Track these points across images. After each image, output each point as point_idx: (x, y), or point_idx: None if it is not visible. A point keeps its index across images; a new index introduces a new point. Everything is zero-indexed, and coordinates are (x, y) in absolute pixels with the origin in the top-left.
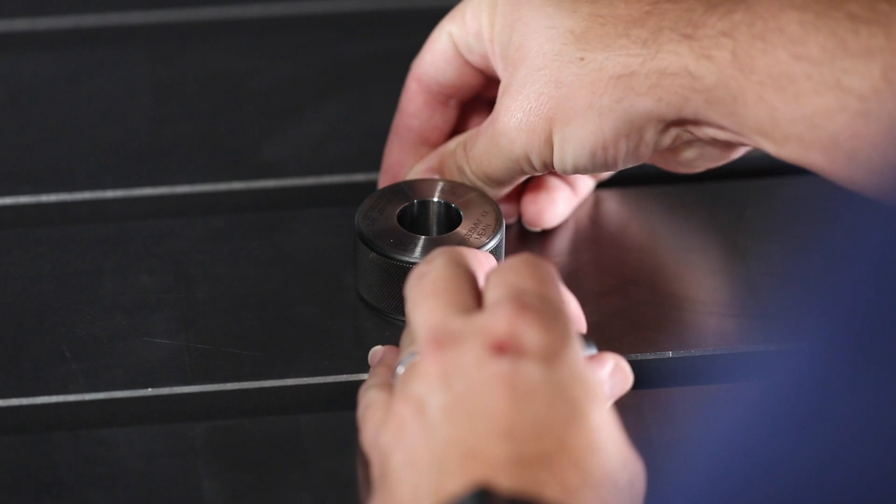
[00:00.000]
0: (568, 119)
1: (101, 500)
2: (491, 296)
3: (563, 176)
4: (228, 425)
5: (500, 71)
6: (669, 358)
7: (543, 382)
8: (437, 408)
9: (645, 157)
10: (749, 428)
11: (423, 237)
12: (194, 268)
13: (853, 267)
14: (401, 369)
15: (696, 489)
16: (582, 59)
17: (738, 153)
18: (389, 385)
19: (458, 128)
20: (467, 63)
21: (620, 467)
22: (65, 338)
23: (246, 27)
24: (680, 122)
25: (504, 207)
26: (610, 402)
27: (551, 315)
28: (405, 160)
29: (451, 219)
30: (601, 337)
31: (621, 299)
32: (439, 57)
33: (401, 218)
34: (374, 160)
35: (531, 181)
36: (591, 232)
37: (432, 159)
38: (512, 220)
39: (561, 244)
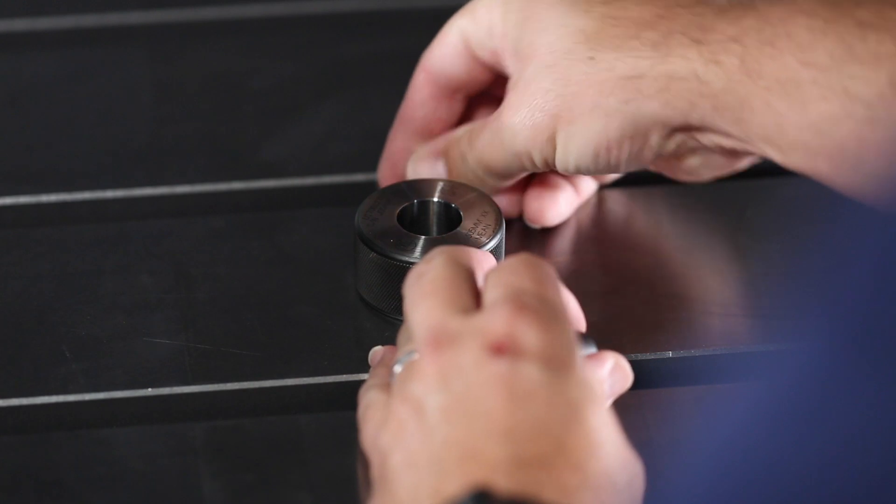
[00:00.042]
0: (573, 118)
1: (101, 500)
2: (489, 296)
3: (566, 175)
4: (228, 425)
5: (510, 67)
6: (669, 358)
7: (542, 383)
8: (436, 408)
9: (648, 161)
10: (749, 428)
11: (423, 237)
12: (194, 268)
13: (853, 267)
14: (398, 368)
15: (697, 489)
16: (592, 58)
17: (743, 163)
18: (389, 385)
19: (463, 121)
20: (476, 59)
21: (619, 468)
22: (65, 338)
23: (246, 27)
24: (685, 128)
25: (506, 202)
26: (610, 401)
27: (550, 315)
28: (408, 148)
29: (451, 219)
30: (601, 337)
31: (621, 299)
32: (449, 51)
33: (401, 218)
34: (374, 160)
35: (535, 178)
36: (592, 232)
37: (439, 142)
38: (514, 214)
39: (561, 244)
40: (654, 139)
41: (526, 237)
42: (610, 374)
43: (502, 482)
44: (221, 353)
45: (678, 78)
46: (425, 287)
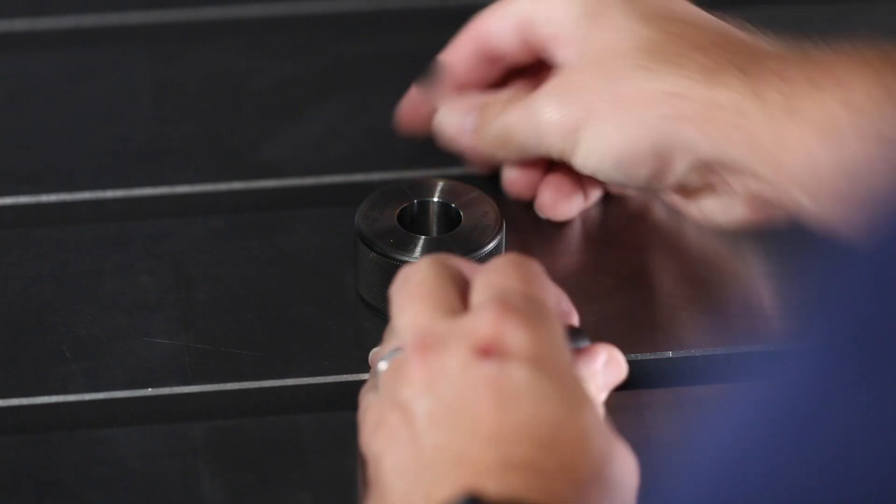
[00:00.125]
0: (607, 118)
1: (101, 500)
2: (476, 298)
3: (582, 178)
4: (228, 425)
5: (559, 56)
6: (669, 358)
7: (529, 384)
8: (424, 413)
9: (666, 184)
10: (749, 428)
11: (423, 237)
12: (194, 268)
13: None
14: (383, 365)
15: (697, 489)
16: (642, 66)
17: (761, 218)
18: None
19: (498, 88)
20: (527, 40)
21: (611, 464)
22: (65, 338)
23: (246, 27)
24: (715, 165)
25: (520, 184)
26: (605, 394)
27: (536, 315)
28: (437, 96)
29: (450, 219)
30: (601, 337)
31: (621, 299)
32: (501, 24)
33: (401, 218)
34: (374, 160)
35: (555, 170)
36: (592, 232)
37: (475, 98)
38: (524, 196)
39: (561, 244)
40: (680, 165)
41: (526, 237)
42: (604, 367)
43: (491, 486)
44: (221, 353)
45: (719, 106)
46: (412, 290)
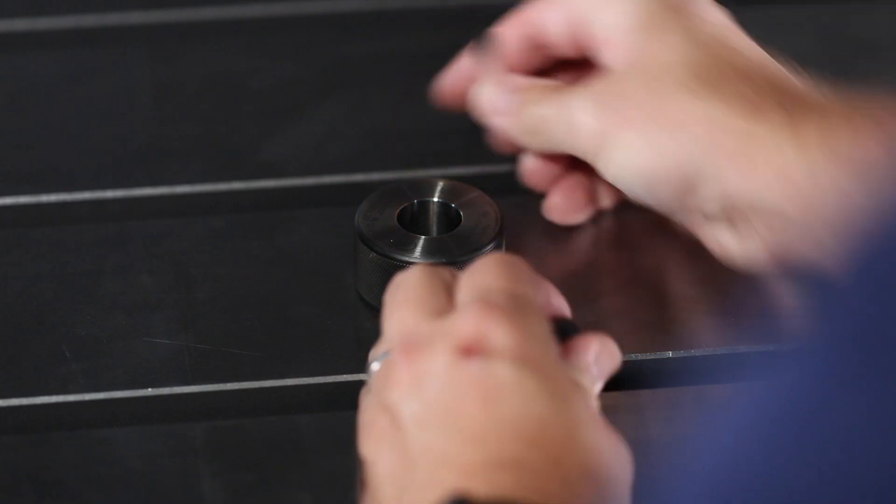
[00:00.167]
0: (640, 131)
1: (101, 500)
2: (460, 298)
3: (597, 186)
4: (228, 425)
5: (606, 58)
6: (669, 358)
7: (514, 382)
8: (411, 416)
9: (686, 208)
10: (749, 429)
11: (423, 237)
12: (194, 268)
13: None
14: (375, 366)
15: (696, 490)
16: (687, 87)
17: (776, 260)
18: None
19: (541, 75)
20: (576, 37)
21: (602, 458)
22: (65, 338)
23: (246, 27)
24: (740, 200)
25: (538, 176)
26: (601, 383)
27: (519, 312)
28: (474, 70)
29: (450, 219)
30: None
31: (621, 299)
32: (556, 14)
33: (401, 218)
34: (374, 160)
35: (575, 171)
36: (592, 232)
37: (519, 80)
38: (538, 187)
39: (561, 244)
40: (705, 192)
41: (525, 238)
42: (597, 356)
43: (480, 486)
44: (221, 353)
45: (756, 139)
46: (399, 296)
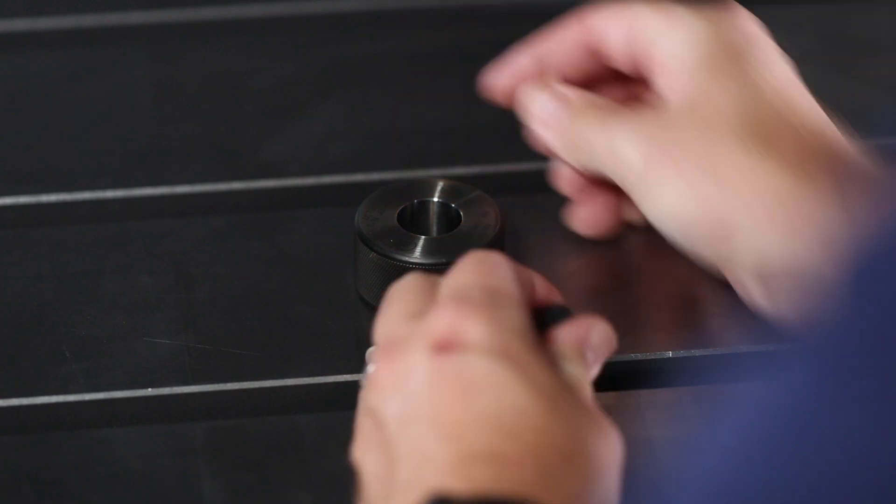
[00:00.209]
0: (687, 177)
1: (101, 500)
2: (438, 299)
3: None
4: (228, 425)
5: (661, 85)
6: (669, 358)
7: (488, 374)
8: (392, 416)
9: (718, 256)
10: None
11: (423, 237)
12: (194, 268)
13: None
14: (371, 367)
15: (697, 490)
16: (741, 140)
17: (800, 316)
18: None
19: (593, 81)
20: (635, 56)
21: (585, 444)
22: (65, 338)
23: (246, 27)
24: (776, 261)
25: (568, 183)
26: (597, 367)
27: (493, 305)
28: (530, 69)
29: (450, 219)
30: None
31: (621, 299)
32: (617, 28)
33: (401, 218)
34: (374, 160)
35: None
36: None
37: (570, 91)
38: (568, 194)
39: (561, 244)
40: (741, 246)
41: (525, 239)
42: (591, 340)
43: (457, 483)
44: (221, 353)
45: (802, 202)
46: (386, 302)
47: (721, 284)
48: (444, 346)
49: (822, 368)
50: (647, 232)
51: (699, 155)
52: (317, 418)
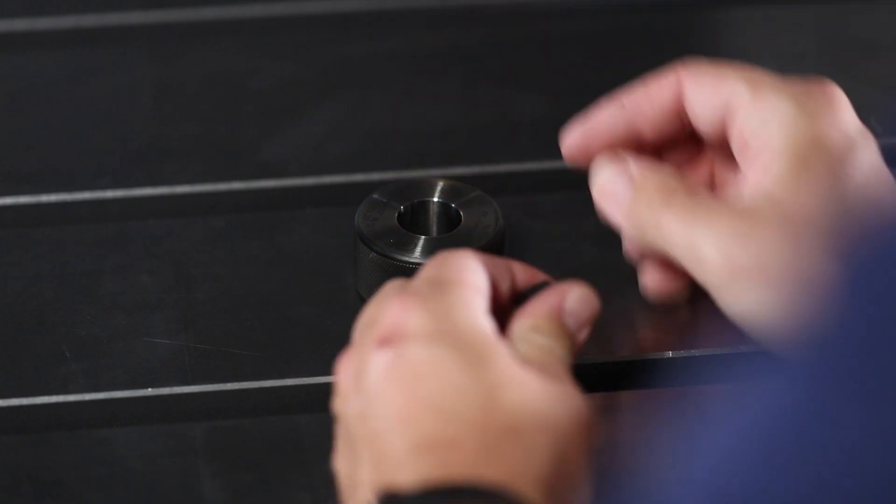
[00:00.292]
0: (773, 284)
1: (101, 500)
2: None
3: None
4: (228, 425)
5: (749, 170)
6: (669, 358)
7: (428, 359)
8: (352, 417)
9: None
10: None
11: (423, 237)
12: (194, 268)
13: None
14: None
15: (695, 490)
16: (825, 248)
17: None
18: None
19: (667, 140)
20: (725, 127)
21: (534, 413)
22: (65, 338)
23: (246, 27)
24: None
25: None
26: (585, 331)
27: (436, 293)
28: (611, 130)
29: (450, 219)
30: (601, 337)
31: (621, 299)
32: (712, 97)
33: (401, 218)
34: (374, 160)
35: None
36: (592, 232)
37: (635, 166)
38: (633, 259)
39: (561, 244)
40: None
41: (525, 239)
42: (567, 306)
43: (407, 475)
44: (221, 353)
45: None
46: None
47: None
48: (387, 340)
49: (822, 368)
50: None
51: (786, 264)
52: (317, 418)
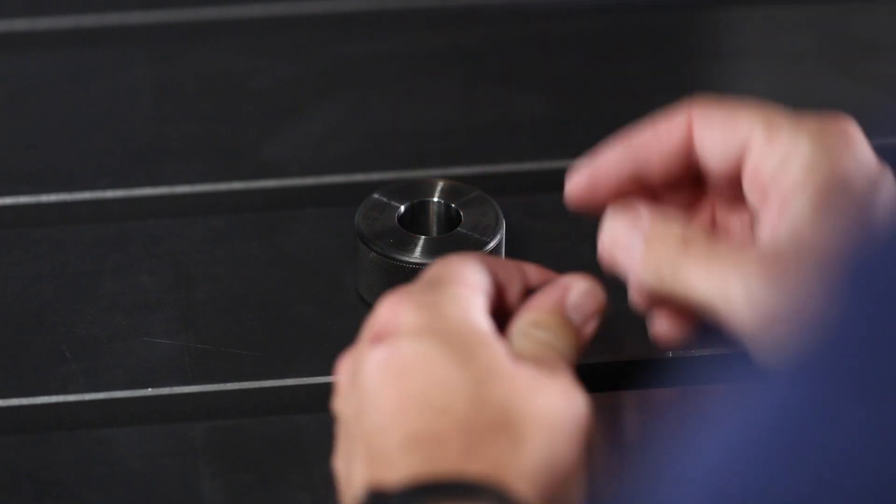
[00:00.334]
0: (803, 327)
1: (101, 500)
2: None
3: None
4: (228, 425)
5: (767, 211)
6: (669, 358)
7: (417, 355)
8: (349, 416)
9: None
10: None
11: (423, 237)
12: (194, 268)
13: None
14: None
15: (695, 490)
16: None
17: None
18: None
19: (671, 184)
20: (730, 166)
21: (523, 408)
22: (65, 338)
23: (246, 27)
24: None
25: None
26: (592, 324)
27: (429, 291)
28: (618, 174)
29: (450, 219)
30: (600, 336)
31: (621, 299)
32: (725, 136)
33: (401, 218)
34: (374, 160)
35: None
36: (592, 232)
37: (644, 219)
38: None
39: (561, 244)
40: None
41: (525, 239)
42: (570, 300)
43: (393, 473)
44: (221, 353)
45: None
46: None
47: None
48: (380, 337)
49: (822, 368)
50: None
51: (816, 302)
52: (317, 418)
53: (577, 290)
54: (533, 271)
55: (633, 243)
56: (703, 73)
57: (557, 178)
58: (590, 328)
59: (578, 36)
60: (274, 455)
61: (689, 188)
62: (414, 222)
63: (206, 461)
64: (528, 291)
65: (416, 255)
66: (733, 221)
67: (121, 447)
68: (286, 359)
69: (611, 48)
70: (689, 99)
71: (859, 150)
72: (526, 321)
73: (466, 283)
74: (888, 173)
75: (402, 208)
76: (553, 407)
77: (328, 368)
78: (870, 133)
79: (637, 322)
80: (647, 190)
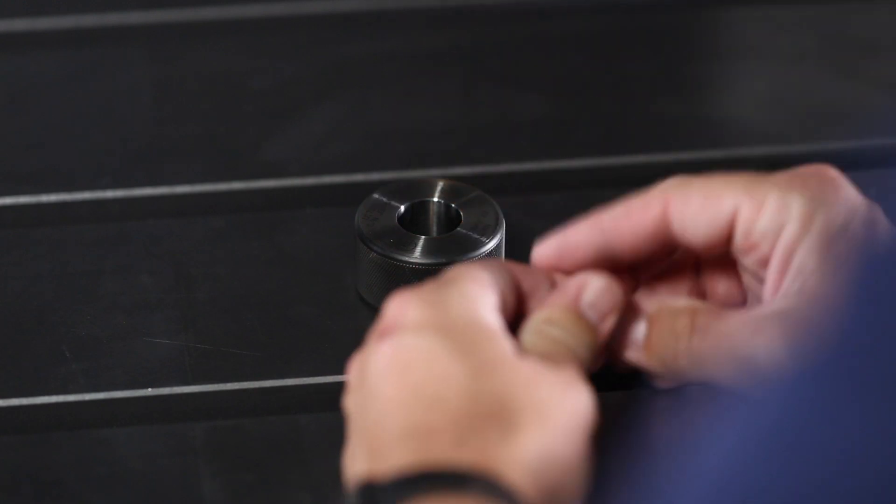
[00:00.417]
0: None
1: (101, 500)
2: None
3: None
4: (228, 425)
5: (769, 271)
6: None
7: (419, 348)
8: (356, 411)
9: None
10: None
11: (423, 237)
12: (194, 268)
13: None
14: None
15: (698, 490)
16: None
17: None
18: None
19: (643, 261)
20: (714, 234)
21: (520, 399)
22: (65, 338)
23: (246, 27)
24: None
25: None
26: (610, 320)
27: (436, 288)
28: (589, 248)
29: (450, 219)
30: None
31: None
32: (709, 214)
33: (401, 218)
34: (374, 160)
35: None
36: None
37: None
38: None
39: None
40: None
41: (525, 240)
42: (586, 298)
43: (387, 464)
44: (221, 353)
45: None
46: None
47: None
48: (385, 332)
49: (822, 368)
50: None
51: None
52: (317, 418)
53: (593, 287)
54: (561, 279)
55: (635, 333)
56: (703, 73)
57: (557, 178)
58: (607, 326)
59: (578, 36)
60: (274, 455)
61: (662, 262)
62: (414, 222)
63: (206, 461)
64: None
65: (416, 255)
66: (720, 285)
67: (121, 447)
68: (286, 359)
69: (611, 48)
70: (662, 181)
71: (846, 193)
72: (539, 318)
73: (477, 280)
74: (877, 209)
75: (402, 208)
76: (552, 400)
77: (328, 368)
78: (870, 133)
79: None
80: (618, 266)
